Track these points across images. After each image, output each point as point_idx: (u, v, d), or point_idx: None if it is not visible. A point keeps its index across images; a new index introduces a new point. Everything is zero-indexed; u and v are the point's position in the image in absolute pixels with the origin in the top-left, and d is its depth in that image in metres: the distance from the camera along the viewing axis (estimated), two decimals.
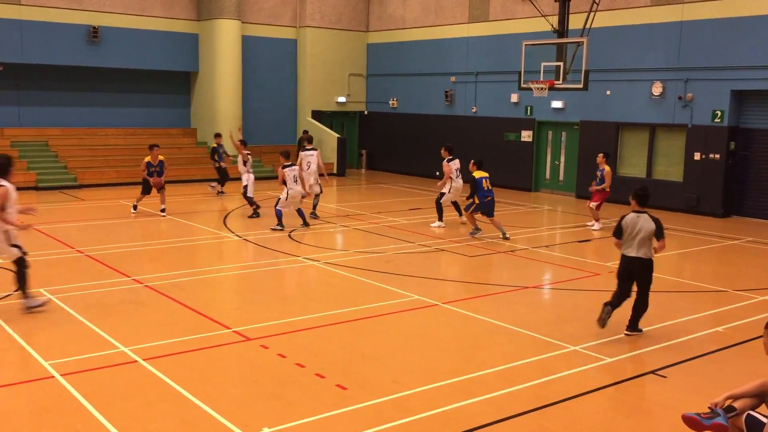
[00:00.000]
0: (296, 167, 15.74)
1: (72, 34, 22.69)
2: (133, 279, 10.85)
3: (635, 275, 8.67)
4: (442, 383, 7.08)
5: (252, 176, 17.84)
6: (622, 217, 8.67)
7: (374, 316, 9.31)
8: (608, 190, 16.08)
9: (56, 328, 8.57)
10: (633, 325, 8.72)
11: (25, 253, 9.08)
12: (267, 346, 8.04)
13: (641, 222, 8.52)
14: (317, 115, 27.47)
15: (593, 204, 16.13)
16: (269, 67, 26.67)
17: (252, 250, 13.42)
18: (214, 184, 21.20)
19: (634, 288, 8.72)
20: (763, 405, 5.27)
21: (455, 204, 16.59)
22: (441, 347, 8.26)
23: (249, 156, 18.27)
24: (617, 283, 8.77)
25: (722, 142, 18.14)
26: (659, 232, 8.55)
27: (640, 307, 8.66)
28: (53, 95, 23.48)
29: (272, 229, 15.12)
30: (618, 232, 8.68)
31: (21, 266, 9.03)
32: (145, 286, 10.51)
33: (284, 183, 15.30)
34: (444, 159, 16.35)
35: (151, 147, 16.97)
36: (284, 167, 15.36)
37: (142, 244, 13.69)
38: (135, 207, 17.06)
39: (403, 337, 8.63)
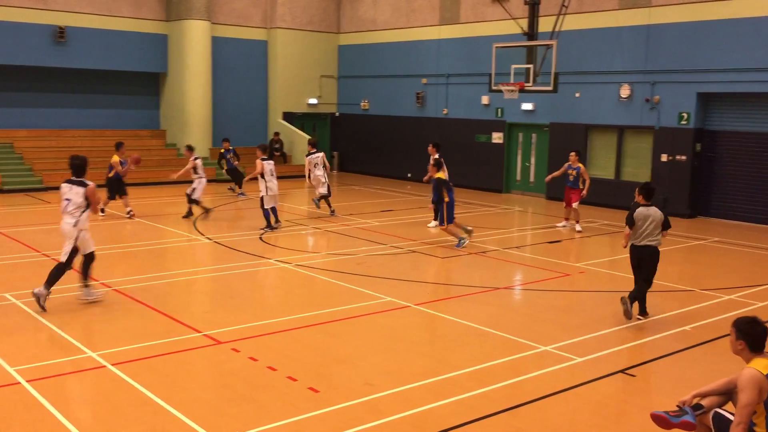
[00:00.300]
0: (272, 162, 15.67)
1: (38, 34, 22.31)
2: (101, 283, 10.68)
3: (645, 261, 9.47)
4: (415, 385, 7.09)
5: (204, 180, 17.04)
6: (633, 210, 9.40)
7: (346, 319, 9.29)
8: (586, 186, 15.98)
9: (22, 333, 8.40)
10: (644, 310, 9.59)
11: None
12: (238, 349, 7.98)
13: (651, 213, 9.33)
14: (288, 116, 27.36)
15: (575, 204, 16.03)
16: (240, 68, 26.50)
17: (223, 253, 13.30)
18: (232, 185, 21.15)
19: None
20: (730, 402, 5.36)
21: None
22: (413, 349, 8.27)
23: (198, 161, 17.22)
24: (634, 274, 9.67)
25: (688, 144, 18.45)
26: (666, 223, 9.50)
27: (646, 290, 9.56)
28: (18, 96, 23.06)
29: (262, 230, 15.07)
30: (631, 222, 9.38)
31: (91, 259, 9.79)
32: (114, 290, 10.36)
33: (262, 176, 15.15)
34: (432, 156, 16.03)
35: (119, 145, 16.95)
36: (263, 160, 15.31)
37: (110, 247, 13.50)
38: (105, 208, 16.90)
39: (375, 339, 8.62)
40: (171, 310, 9.48)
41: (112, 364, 7.40)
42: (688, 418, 5.27)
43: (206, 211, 16.96)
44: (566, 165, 16.24)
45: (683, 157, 18.56)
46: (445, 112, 24.37)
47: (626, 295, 9.42)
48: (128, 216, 16.51)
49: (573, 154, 16.23)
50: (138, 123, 25.40)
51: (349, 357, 7.90)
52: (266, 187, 15.17)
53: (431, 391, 6.93)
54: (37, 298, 9.19)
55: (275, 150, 26.26)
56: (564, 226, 16.43)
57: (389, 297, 10.28)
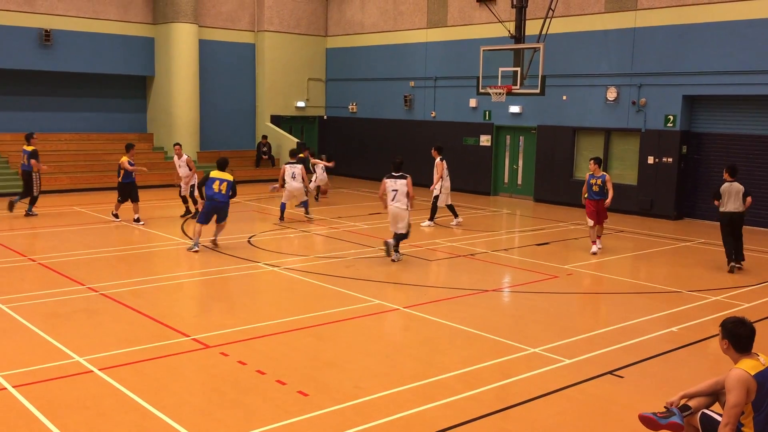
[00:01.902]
0: (299, 166, 16.96)
1: (23, 37, 22.15)
2: (88, 287, 10.62)
3: (733, 224, 12.66)
4: (404, 388, 7.09)
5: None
6: (719, 187, 12.84)
7: (335, 322, 9.28)
8: (609, 198, 13.87)
9: (8, 338, 8.33)
10: (741, 257, 12.85)
11: None
12: (227, 353, 7.95)
13: (734, 187, 12.64)
14: (276, 119, 27.32)
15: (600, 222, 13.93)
16: (227, 71, 26.43)
17: (211, 257, 13.25)
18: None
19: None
20: (717, 403, 5.40)
21: (450, 206, 16.93)
22: (402, 352, 8.27)
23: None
24: (723, 237, 12.90)
25: (674, 146, 18.58)
26: (747, 193, 12.70)
27: (741, 243, 12.81)
28: (3, 100, 22.87)
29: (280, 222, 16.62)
30: (718, 196, 12.78)
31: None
32: (101, 294, 10.30)
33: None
34: (436, 159, 16.75)
35: (129, 147, 16.49)
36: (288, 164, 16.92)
37: (98, 251, 13.42)
38: (118, 213, 16.57)
39: (364, 342, 8.62)
40: (159, 314, 9.44)
41: (100, 369, 7.36)
42: (675, 419, 5.30)
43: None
44: (588, 176, 14.07)
45: (670, 159, 18.69)
46: (433, 115, 24.41)
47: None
48: (136, 223, 16.12)
49: (591, 162, 13.98)
50: (125, 126, 25.27)
51: (338, 360, 7.89)
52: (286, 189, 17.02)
53: (420, 394, 6.93)
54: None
55: (263, 153, 26.22)
56: (598, 250, 13.99)
57: (378, 300, 10.28)
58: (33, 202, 16.94)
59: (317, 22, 27.96)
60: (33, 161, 16.62)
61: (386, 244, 13.01)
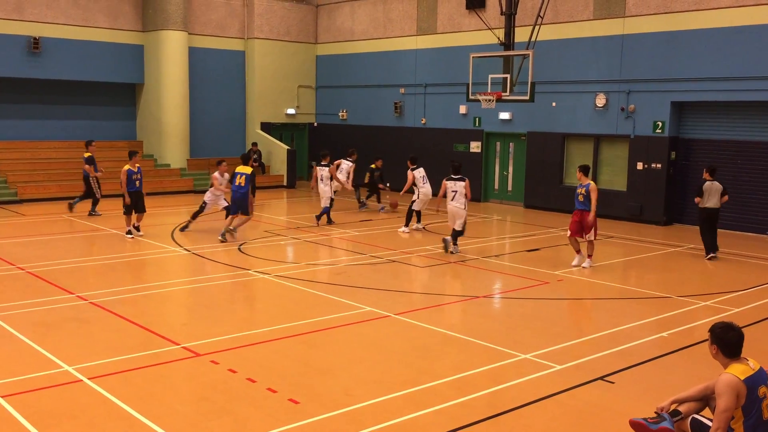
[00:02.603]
0: (325, 168, 17.63)
1: (11, 45, 22.06)
2: (77, 296, 10.56)
3: (711, 219, 14.08)
4: (395, 395, 7.07)
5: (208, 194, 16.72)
6: (702, 185, 14.03)
7: (326, 329, 9.25)
8: (592, 210, 12.95)
9: None
10: (716, 247, 14.23)
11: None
12: (217, 361, 7.91)
13: (715, 186, 14.03)
14: (266, 127, 27.30)
15: (589, 236, 13.12)
16: (217, 78, 26.41)
17: (201, 264, 13.21)
18: (378, 204, 20.64)
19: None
20: (707, 408, 5.41)
21: (418, 213, 17.19)
22: (393, 359, 8.25)
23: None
24: (702, 232, 14.32)
25: (663, 152, 18.68)
26: (724, 191, 14.05)
27: (716, 235, 14.25)
28: None
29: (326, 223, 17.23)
30: (700, 193, 14.02)
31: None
32: (90, 302, 10.24)
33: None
34: (408, 169, 17.25)
35: (132, 154, 15.59)
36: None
37: (87, 259, 13.35)
38: (132, 230, 15.47)
39: (355, 349, 8.60)
40: (149, 322, 9.39)
41: (89, 378, 7.31)
42: (666, 424, 5.31)
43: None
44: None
45: (658, 165, 18.79)
46: (423, 121, 24.46)
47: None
48: (132, 236, 15.33)
49: (577, 170, 13.55)
50: (114, 134, 25.18)
51: (330, 367, 7.87)
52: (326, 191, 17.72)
53: (412, 401, 6.92)
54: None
55: (253, 161, 26.15)
56: (576, 266, 13.20)
57: (369, 307, 10.26)
58: (95, 203, 18.31)
59: (307, 29, 28.00)
60: (87, 166, 18.00)
61: (444, 241, 14.28)
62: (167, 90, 24.38)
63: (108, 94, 24.92)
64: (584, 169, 13.36)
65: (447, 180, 14.28)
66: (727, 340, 5.07)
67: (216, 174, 16.40)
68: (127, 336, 8.85)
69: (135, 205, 15.40)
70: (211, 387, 7.21)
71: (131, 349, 8.28)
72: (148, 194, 21.87)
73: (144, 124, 25.39)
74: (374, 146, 25.92)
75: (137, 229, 15.57)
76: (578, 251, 13.38)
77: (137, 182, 15.42)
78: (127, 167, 15.33)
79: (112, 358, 7.97)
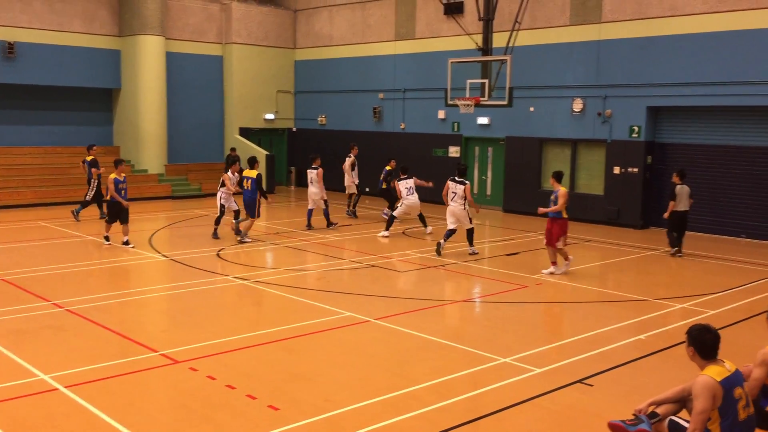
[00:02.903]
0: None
1: None
2: (54, 303, 10.42)
3: (682, 221, 14.99)
4: (375, 400, 7.06)
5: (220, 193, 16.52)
6: (674, 188, 14.89)
7: (306, 335, 9.22)
8: (565, 216, 12.88)
9: None
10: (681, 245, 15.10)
11: None
12: (196, 368, 7.85)
13: (685, 189, 14.85)
14: (245, 132, 27.20)
15: (560, 243, 12.82)
16: (195, 83, 26.27)
17: (180, 271, 13.10)
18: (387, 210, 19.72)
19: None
20: (685, 410, 5.47)
21: (420, 216, 17.37)
22: (373, 364, 8.25)
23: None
24: (671, 230, 15.21)
25: (640, 157, 18.88)
26: (691, 194, 14.95)
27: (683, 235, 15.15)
28: None
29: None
30: (674, 196, 14.82)
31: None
32: (67, 310, 10.11)
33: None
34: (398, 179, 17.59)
35: (118, 162, 15.19)
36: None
37: (63, 267, 13.18)
38: (107, 238, 15.14)
39: (335, 354, 8.58)
40: (126, 329, 9.30)
41: (66, 387, 7.21)
42: (644, 426, 5.36)
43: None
44: None
45: (635, 170, 18.99)
46: (402, 126, 24.51)
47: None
48: (126, 245, 14.82)
49: (551, 177, 13.49)
50: (91, 139, 24.76)
51: (309, 373, 7.84)
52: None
53: (392, 406, 6.91)
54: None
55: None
56: (552, 273, 12.98)
57: (349, 312, 10.25)
58: (84, 205, 18.43)
59: (285, 34, 27.95)
60: (93, 169, 18.32)
61: (438, 244, 14.79)
62: (144, 95, 24.20)
63: (84, 100, 24.68)
64: (556, 176, 13.18)
65: (451, 180, 14.95)
66: (703, 342, 5.13)
67: (228, 173, 16.42)
68: (104, 343, 8.75)
69: (119, 215, 14.88)
70: (189, 394, 7.16)
71: (109, 357, 8.19)
72: (129, 199, 21.86)
73: (121, 129, 25.18)
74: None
75: (126, 243, 14.89)
76: (553, 262, 13.04)
77: (123, 192, 14.96)
78: (113, 176, 14.87)
79: (90, 366, 7.88)
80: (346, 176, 20.07)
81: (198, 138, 26.52)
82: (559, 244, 12.85)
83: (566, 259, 13.11)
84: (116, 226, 15.09)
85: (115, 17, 24.48)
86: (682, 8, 17.81)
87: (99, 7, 24.11)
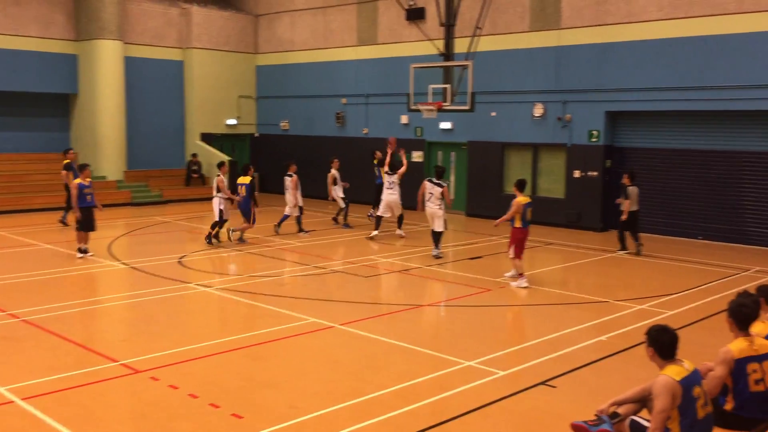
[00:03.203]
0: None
1: None
2: (9, 314, 10.16)
3: (636, 221, 15.62)
4: (340, 406, 7.03)
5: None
6: (626, 189, 15.44)
7: (270, 341, 9.15)
8: (517, 224, 12.45)
9: None
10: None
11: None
12: (157, 377, 7.73)
13: (636, 190, 15.48)
14: (207, 137, 26.90)
15: (510, 252, 12.53)
16: (155, 89, 25.91)
17: (140, 279, 12.89)
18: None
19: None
20: (645, 409, 5.55)
21: (400, 218, 17.59)
22: (338, 369, 8.21)
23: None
24: (625, 228, 15.71)
25: (599, 161, 19.18)
26: (623, 194, 15.51)
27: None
28: None
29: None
30: (627, 196, 15.36)
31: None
32: (22, 320, 9.87)
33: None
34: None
35: (83, 167, 14.71)
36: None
37: (19, 276, 12.86)
38: (82, 250, 14.41)
39: (299, 361, 8.52)
40: (85, 339, 9.11)
41: (22, 399, 7.03)
42: (606, 426, 5.43)
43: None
44: None
45: (595, 173, 19.28)
46: (365, 131, 24.52)
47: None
48: (82, 255, 14.30)
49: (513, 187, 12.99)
50: (47, 146, 24.40)
51: (274, 381, 7.78)
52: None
53: (358, 412, 6.89)
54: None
55: (193, 172, 25.78)
56: (524, 286, 12.39)
57: (313, 318, 10.20)
58: (67, 210, 17.72)
59: (247, 39, 27.77)
60: (63, 172, 17.56)
61: (434, 255, 14.99)
62: (102, 100, 23.80)
63: (40, 105, 24.18)
64: (517, 185, 12.70)
65: (428, 181, 15.18)
66: (662, 343, 5.21)
67: (222, 177, 16.38)
68: (62, 354, 8.56)
69: (87, 224, 14.42)
70: (151, 404, 7.03)
71: (67, 368, 8.01)
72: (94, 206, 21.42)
73: (78, 135, 24.71)
74: (317, 156, 25.86)
75: (84, 251, 14.40)
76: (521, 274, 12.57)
77: (88, 197, 14.38)
78: (78, 181, 14.36)
79: (47, 377, 7.69)
80: (330, 190, 19.21)
81: (158, 144, 26.16)
82: (510, 254, 12.54)
83: (518, 271, 12.52)
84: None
85: (71, 21, 24.04)
86: (638, 15, 18.17)
87: (55, 11, 23.66)
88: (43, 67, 23.38)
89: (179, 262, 14.22)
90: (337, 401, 7.14)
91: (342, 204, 19.24)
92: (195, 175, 25.81)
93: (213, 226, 16.21)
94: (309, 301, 11.31)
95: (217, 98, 27.02)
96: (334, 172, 19.40)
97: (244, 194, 16.05)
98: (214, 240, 16.06)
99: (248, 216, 16.09)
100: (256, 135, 28.40)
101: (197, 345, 8.94)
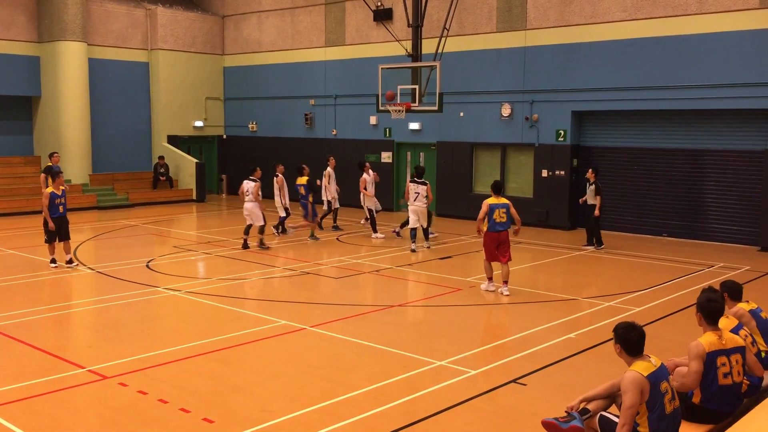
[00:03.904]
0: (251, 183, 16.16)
1: None
2: None
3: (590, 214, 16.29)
4: (312, 408, 7.01)
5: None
6: (597, 184, 16.07)
7: (240, 345, 9.08)
8: (483, 228, 11.90)
9: None
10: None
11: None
12: (126, 383, 7.63)
13: (590, 187, 16.25)
14: (173, 140, 26.63)
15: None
16: (120, 91, 25.56)
17: (107, 283, 12.70)
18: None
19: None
20: (614, 405, 5.63)
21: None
22: (310, 372, 8.19)
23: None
24: (598, 227, 16.40)
25: (566, 160, 19.40)
26: (597, 191, 16.29)
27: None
28: None
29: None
30: (600, 192, 16.10)
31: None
32: None
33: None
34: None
35: (55, 175, 13.78)
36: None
37: None
38: (56, 260, 13.76)
39: (270, 364, 8.48)
40: (51, 346, 8.95)
41: None
42: (576, 423, 5.49)
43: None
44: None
45: (562, 172, 19.50)
46: (334, 132, 24.48)
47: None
48: (69, 265, 13.64)
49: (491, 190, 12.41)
50: (9, 149, 23.95)
51: (245, 384, 7.72)
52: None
53: (330, 413, 6.88)
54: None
55: (160, 175, 25.49)
56: (489, 290, 12.07)
57: (284, 320, 10.15)
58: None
59: (213, 40, 27.54)
60: (42, 175, 16.60)
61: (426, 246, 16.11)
62: (66, 103, 23.42)
63: (2, 108, 23.71)
64: (497, 187, 12.33)
65: (411, 182, 16.07)
66: (629, 339, 5.28)
67: (281, 177, 17.42)
68: (27, 361, 8.40)
69: (58, 232, 13.55)
70: (120, 411, 6.94)
71: (32, 375, 7.86)
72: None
73: (42, 138, 24.28)
74: (285, 158, 25.74)
75: (70, 261, 13.68)
76: (501, 281, 12.01)
77: (61, 207, 13.55)
78: (50, 189, 13.53)
79: (12, 385, 7.54)
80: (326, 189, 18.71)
81: (124, 146, 25.81)
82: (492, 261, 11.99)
83: (486, 274, 12.08)
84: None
85: (33, 23, 23.62)
86: (602, 16, 18.42)
87: (17, 12, 23.22)
88: (4, 69, 22.94)
89: (147, 266, 14.05)
90: (309, 403, 7.12)
91: (326, 206, 18.78)
92: (162, 178, 25.52)
93: (261, 230, 15.89)
94: (279, 303, 11.26)
95: (183, 100, 26.76)
96: (329, 170, 18.86)
97: (304, 193, 16.94)
98: (273, 236, 17.14)
99: (307, 214, 16.89)
100: (224, 137, 28.18)
101: (166, 350, 8.84)
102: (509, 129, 20.33)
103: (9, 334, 9.37)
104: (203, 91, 27.31)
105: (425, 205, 16.02)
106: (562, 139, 19.41)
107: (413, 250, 15.73)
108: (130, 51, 25.77)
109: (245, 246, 15.88)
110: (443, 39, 19.27)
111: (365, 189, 18.13)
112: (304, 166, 17.42)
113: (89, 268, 13.88)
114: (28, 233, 17.93)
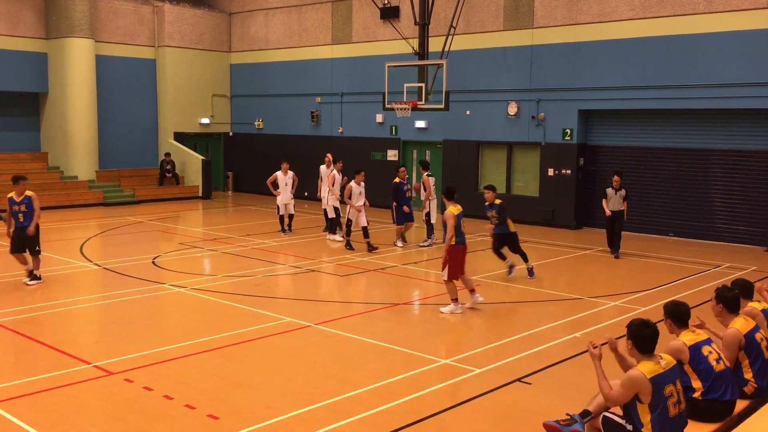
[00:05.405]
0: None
1: None
2: None
3: (616, 221, 15.36)
4: (317, 405, 7.03)
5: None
6: (606, 190, 15.52)
7: (245, 342, 9.11)
8: (452, 242, 10.54)
9: None
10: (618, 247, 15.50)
11: None
12: (131, 379, 7.66)
13: (619, 192, 15.32)
14: (180, 137, 26.68)
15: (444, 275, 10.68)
16: (127, 87, 25.63)
17: (113, 280, 12.75)
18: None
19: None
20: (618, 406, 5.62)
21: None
22: (315, 369, 8.20)
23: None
24: (608, 228, 15.67)
25: (572, 159, 19.36)
26: (627, 196, 15.48)
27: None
28: None
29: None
30: (606, 197, 15.42)
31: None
32: None
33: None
34: (423, 174, 16.95)
35: (17, 179, 11.97)
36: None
37: None
38: (30, 274, 12.19)
39: (275, 361, 8.50)
40: (58, 342, 8.99)
41: None
42: (577, 426, 5.52)
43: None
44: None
45: (568, 171, 19.46)
46: (340, 130, 24.49)
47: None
48: (28, 278, 12.16)
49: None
50: (17, 146, 24.04)
51: (250, 381, 7.74)
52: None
53: (334, 411, 6.89)
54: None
55: (167, 171, 25.55)
56: (456, 312, 10.64)
57: (289, 317, 10.17)
58: None
59: (220, 37, 27.58)
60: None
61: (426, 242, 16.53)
62: (73, 99, 23.48)
63: (9, 104, 23.79)
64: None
65: (429, 176, 16.78)
66: (642, 336, 5.28)
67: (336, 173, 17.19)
68: (33, 356, 8.44)
69: (20, 245, 12.02)
70: (125, 406, 6.97)
71: (38, 370, 7.90)
72: (54, 208, 21.18)
73: (49, 134, 24.36)
74: (291, 155, 25.76)
75: (38, 277, 12.17)
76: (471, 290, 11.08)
77: (21, 215, 11.91)
78: (11, 195, 11.98)
79: (18, 380, 7.58)
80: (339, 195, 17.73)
81: (131, 143, 25.88)
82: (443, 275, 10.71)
83: (450, 295, 10.68)
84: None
85: (41, 19, 23.69)
86: (610, 14, 18.37)
87: (24, 8, 23.30)
88: (12, 65, 23.01)
89: (153, 262, 14.09)
90: (314, 401, 7.13)
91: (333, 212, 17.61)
92: (169, 175, 25.58)
93: (366, 234, 15.80)
94: (284, 300, 11.27)
95: (190, 97, 26.80)
96: (335, 173, 17.71)
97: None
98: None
99: (394, 218, 16.80)
100: (230, 134, 28.22)
101: (172, 346, 8.87)
102: (515, 127, 20.30)
103: (16, 330, 9.41)
104: (210, 88, 27.35)
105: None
106: (568, 138, 19.37)
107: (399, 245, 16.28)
108: (138, 48, 25.83)
109: (371, 248, 15.67)
110: (450, 37, 19.24)
111: (332, 186, 17.05)
112: (402, 166, 17.31)
113: (96, 264, 13.93)
114: None
